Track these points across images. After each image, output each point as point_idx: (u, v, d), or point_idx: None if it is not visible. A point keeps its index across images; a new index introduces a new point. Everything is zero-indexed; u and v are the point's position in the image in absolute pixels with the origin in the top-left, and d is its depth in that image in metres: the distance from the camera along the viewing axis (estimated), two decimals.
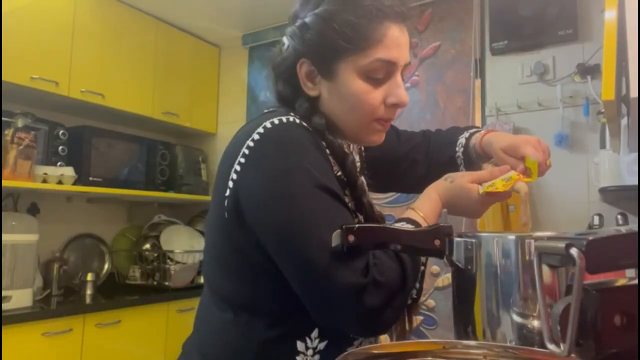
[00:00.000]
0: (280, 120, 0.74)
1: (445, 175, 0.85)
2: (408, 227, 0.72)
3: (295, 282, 0.71)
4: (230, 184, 0.74)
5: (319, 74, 0.78)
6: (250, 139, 0.74)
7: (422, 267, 0.76)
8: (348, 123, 0.79)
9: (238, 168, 0.73)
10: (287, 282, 0.71)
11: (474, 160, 0.98)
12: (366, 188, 0.85)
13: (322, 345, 0.74)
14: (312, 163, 0.71)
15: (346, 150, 0.80)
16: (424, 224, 0.77)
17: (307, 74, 0.79)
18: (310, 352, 0.74)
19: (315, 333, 0.74)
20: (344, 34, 0.74)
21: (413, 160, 1.05)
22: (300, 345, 0.74)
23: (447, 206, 0.78)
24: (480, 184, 0.82)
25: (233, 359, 0.76)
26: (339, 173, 0.79)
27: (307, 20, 0.78)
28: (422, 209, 0.80)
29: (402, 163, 1.06)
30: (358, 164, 0.93)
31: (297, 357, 0.74)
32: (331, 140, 0.78)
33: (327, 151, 0.77)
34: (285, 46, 0.83)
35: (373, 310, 0.67)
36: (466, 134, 1.00)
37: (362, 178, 0.86)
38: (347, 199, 0.78)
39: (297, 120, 0.76)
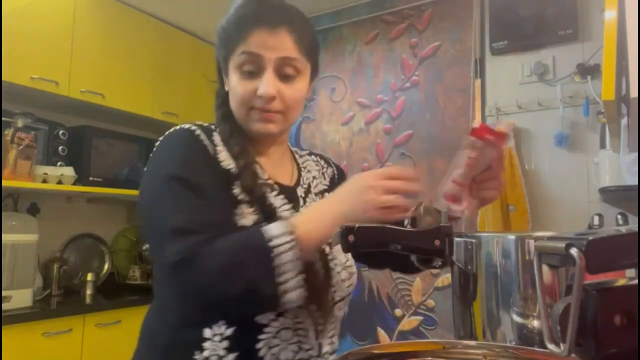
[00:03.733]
0: (175, 128, 0.86)
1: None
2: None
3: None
4: None
5: (225, 75, 0.91)
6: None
7: (287, 253, 0.71)
8: (235, 113, 0.89)
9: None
10: None
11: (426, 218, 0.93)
12: (261, 182, 0.85)
13: (229, 332, 0.78)
14: (178, 160, 0.81)
15: (246, 150, 0.87)
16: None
17: (223, 76, 0.93)
18: (217, 338, 0.78)
19: (221, 321, 0.79)
20: (224, 39, 0.89)
21: None
22: (207, 332, 0.78)
23: (337, 205, 0.76)
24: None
25: (149, 342, 0.87)
26: (230, 167, 0.84)
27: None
28: (302, 214, 0.83)
29: None
30: (310, 180, 0.99)
31: (205, 344, 0.78)
32: (226, 139, 0.88)
33: (219, 148, 0.85)
34: None
35: (189, 289, 0.72)
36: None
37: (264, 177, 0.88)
38: (238, 190, 0.83)
39: (190, 127, 0.86)
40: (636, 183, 1.70)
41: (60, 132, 2.46)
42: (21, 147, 2.19)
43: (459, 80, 2.49)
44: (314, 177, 1.00)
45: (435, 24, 2.60)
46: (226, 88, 0.92)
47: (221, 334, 0.78)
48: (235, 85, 0.86)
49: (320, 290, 0.83)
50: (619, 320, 0.48)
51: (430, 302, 2.45)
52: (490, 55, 2.43)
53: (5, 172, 2.15)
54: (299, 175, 0.98)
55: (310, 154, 1.07)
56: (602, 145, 2.01)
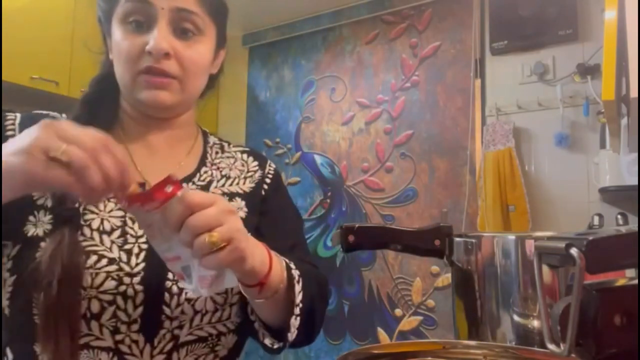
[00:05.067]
0: None
1: None
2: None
3: None
4: None
5: (108, 35, 0.74)
6: None
7: None
8: (120, 79, 0.72)
9: None
10: None
11: None
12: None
13: None
14: None
15: None
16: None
17: (109, 44, 0.76)
18: None
19: (9, 353, 0.66)
20: None
21: None
22: None
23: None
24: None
25: None
26: None
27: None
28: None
29: None
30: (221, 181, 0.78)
31: None
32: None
33: None
34: None
35: None
36: None
37: None
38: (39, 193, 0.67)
39: (10, 113, 0.71)
40: (636, 183, 1.70)
41: None
42: None
43: (459, 80, 2.49)
44: (224, 176, 0.80)
45: (435, 24, 2.60)
46: (111, 56, 0.74)
47: None
48: (119, 41, 0.69)
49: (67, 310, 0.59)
50: (619, 320, 0.48)
51: (430, 302, 2.45)
52: (490, 55, 2.43)
53: None
54: (197, 170, 0.78)
55: (245, 152, 0.86)
56: (602, 145, 2.01)
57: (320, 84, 2.94)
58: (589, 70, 2.14)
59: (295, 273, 0.67)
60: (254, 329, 0.71)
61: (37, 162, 0.47)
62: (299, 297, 0.66)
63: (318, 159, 2.90)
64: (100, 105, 0.75)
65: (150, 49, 0.67)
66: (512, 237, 0.62)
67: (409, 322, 2.50)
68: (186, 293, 0.66)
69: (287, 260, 0.67)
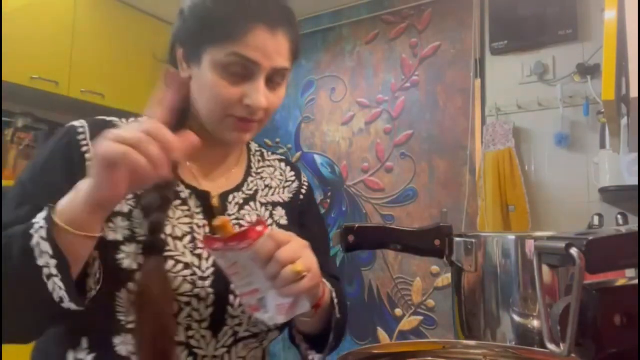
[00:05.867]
0: (67, 125, 0.79)
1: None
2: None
3: None
4: None
5: (188, 59, 0.78)
6: None
7: (41, 232, 0.61)
8: (204, 113, 0.77)
9: None
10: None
11: None
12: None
13: (89, 358, 0.69)
14: (35, 166, 0.75)
15: None
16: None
17: (181, 57, 0.80)
18: None
19: (84, 344, 0.70)
20: (207, 26, 0.75)
21: None
22: (70, 356, 0.70)
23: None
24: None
25: None
26: None
27: (184, 6, 0.81)
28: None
29: None
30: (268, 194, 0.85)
31: None
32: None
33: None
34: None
35: None
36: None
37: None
38: None
39: (76, 125, 0.78)
40: (636, 183, 1.70)
41: None
42: (21, 147, 2.19)
43: (459, 80, 2.49)
44: (267, 186, 0.86)
45: (435, 24, 2.60)
46: (183, 74, 0.79)
47: None
48: (216, 86, 0.73)
49: (161, 318, 0.66)
50: (619, 320, 0.48)
51: (430, 302, 2.45)
52: (490, 55, 2.43)
53: (5, 172, 2.15)
54: (244, 180, 0.85)
55: (282, 160, 0.93)
56: (602, 145, 2.01)
57: (320, 84, 2.94)
58: (589, 70, 2.14)
59: (336, 309, 0.76)
60: (294, 338, 0.83)
61: (117, 173, 0.57)
62: (334, 320, 0.76)
63: (318, 159, 2.91)
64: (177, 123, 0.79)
65: (252, 105, 0.72)
66: (512, 237, 0.62)
67: (409, 322, 2.50)
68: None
69: (329, 285, 0.76)
